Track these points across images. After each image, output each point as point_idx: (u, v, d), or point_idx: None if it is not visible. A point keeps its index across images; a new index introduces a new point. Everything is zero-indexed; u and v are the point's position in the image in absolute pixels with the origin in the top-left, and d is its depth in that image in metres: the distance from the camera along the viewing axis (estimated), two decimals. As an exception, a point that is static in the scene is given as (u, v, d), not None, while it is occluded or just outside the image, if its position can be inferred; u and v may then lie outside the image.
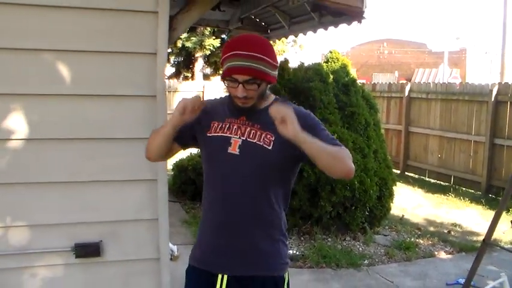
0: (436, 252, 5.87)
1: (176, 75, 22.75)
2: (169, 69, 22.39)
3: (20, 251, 2.77)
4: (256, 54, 1.99)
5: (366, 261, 5.46)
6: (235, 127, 2.13)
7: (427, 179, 10.42)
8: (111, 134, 2.83)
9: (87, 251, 2.83)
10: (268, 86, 2.13)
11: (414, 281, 5.00)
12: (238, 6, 4.72)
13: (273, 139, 2.08)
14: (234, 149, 2.09)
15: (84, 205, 2.84)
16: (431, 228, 6.88)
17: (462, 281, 4.52)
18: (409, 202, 8.37)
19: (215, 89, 15.76)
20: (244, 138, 2.10)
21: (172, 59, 21.33)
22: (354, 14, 3.52)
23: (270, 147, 2.07)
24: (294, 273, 5.02)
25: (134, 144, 2.81)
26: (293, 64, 6.85)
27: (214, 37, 18.77)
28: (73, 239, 2.83)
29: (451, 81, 16.50)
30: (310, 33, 4.86)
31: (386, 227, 6.72)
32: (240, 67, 1.98)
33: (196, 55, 19.46)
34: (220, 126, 2.15)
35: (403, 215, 7.29)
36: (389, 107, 11.60)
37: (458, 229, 6.95)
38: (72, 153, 2.79)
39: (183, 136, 2.21)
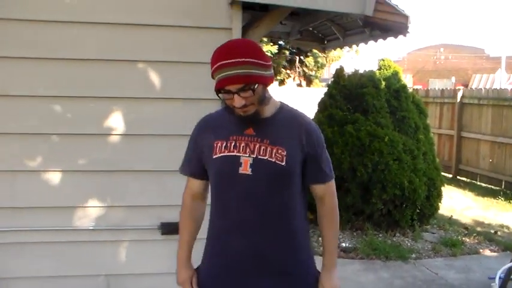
0: (481, 250, 6.19)
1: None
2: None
3: (117, 227, 3.36)
4: (242, 59, 1.86)
5: (413, 255, 5.85)
6: (242, 145, 1.97)
7: (479, 183, 10.57)
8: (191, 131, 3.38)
9: (171, 229, 3.37)
10: (267, 87, 2.00)
11: (458, 274, 5.36)
12: (297, 19, 5.21)
13: (284, 154, 1.96)
14: (245, 169, 1.95)
15: (168, 190, 3.39)
16: (479, 228, 7.16)
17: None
18: (459, 204, 8.65)
19: (272, 93, 16.21)
20: (254, 156, 1.95)
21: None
22: (399, 29, 4.01)
23: (283, 163, 1.95)
24: (346, 264, 5.52)
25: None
26: (349, 69, 7.33)
27: (271, 43, 19.25)
28: (159, 219, 3.39)
29: (507, 87, 16.48)
30: (362, 44, 5.37)
31: (435, 226, 7.06)
32: (228, 77, 1.85)
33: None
34: (224, 145, 1.99)
35: (451, 216, 7.60)
36: (442, 113, 11.81)
37: (505, 230, 7.21)
38: (159, 146, 3.36)
39: (202, 172, 2.13)
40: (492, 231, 7.03)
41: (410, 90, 10.71)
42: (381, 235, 6.40)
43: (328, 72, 23.34)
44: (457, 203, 8.68)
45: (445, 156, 11.55)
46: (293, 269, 2.05)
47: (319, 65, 18.42)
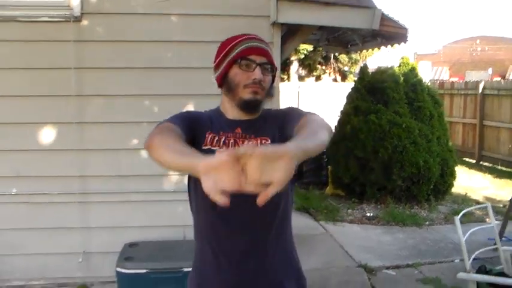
0: (487, 219, 7.21)
1: (273, 77, 24.50)
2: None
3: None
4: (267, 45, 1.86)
5: (427, 223, 6.96)
6: (231, 141, 1.83)
7: (499, 167, 11.47)
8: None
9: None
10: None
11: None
12: (325, 29, 6.38)
13: (268, 142, 1.81)
14: None
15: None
16: (489, 203, 8.16)
17: (504, 239, 5.88)
18: (476, 185, 9.64)
19: (309, 88, 17.09)
20: None
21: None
22: (400, 37, 5.18)
23: None
24: (369, 229, 6.67)
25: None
26: (386, 63, 8.49)
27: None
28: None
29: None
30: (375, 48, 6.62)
31: (450, 201, 8.12)
32: (258, 47, 1.79)
33: (292, 58, 20.92)
34: (216, 138, 1.84)
35: (466, 193, 8.63)
36: (466, 103, 12.72)
37: (514, 204, 8.21)
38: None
39: (187, 132, 1.76)
40: (501, 206, 8.04)
41: (431, 82, 11.73)
42: (400, 207, 7.51)
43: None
44: (475, 184, 9.67)
45: (469, 144, 12.52)
46: (291, 269, 1.93)
47: (353, 60, 19.40)
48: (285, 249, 1.91)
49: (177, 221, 4.57)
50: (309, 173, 8.99)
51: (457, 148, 12.49)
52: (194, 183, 1.84)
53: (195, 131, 1.83)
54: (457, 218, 3.87)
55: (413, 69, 8.18)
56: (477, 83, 12.48)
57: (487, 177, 10.48)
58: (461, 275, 3.67)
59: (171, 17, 4.47)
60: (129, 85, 4.47)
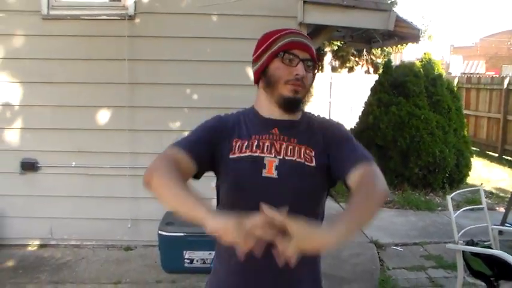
0: (497, 208, 7.74)
1: (307, 67, 24.78)
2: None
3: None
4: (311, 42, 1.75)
5: (439, 208, 7.51)
6: (266, 144, 1.69)
7: (522, 161, 11.90)
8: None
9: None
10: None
11: (470, 221, 6.78)
12: (348, 28, 6.98)
13: (313, 154, 1.68)
14: (270, 172, 1.64)
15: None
16: (502, 194, 8.66)
17: (507, 225, 6.39)
18: (495, 177, 10.08)
19: (341, 79, 17.55)
20: (281, 157, 1.66)
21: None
22: (413, 38, 5.79)
23: (312, 164, 1.67)
24: (384, 211, 7.27)
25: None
26: (417, 55, 8.99)
27: (340, 34, 20.46)
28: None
29: None
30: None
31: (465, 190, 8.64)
32: (302, 42, 1.68)
33: (325, 49, 21.14)
34: (246, 144, 1.69)
35: (482, 183, 9.09)
36: (491, 98, 13.02)
37: (526, 196, 8.68)
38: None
39: (200, 159, 1.65)
40: (512, 196, 8.53)
41: (460, 76, 12.14)
42: (416, 194, 8.08)
43: (399, 59, 24.24)
44: (493, 176, 10.12)
45: (493, 137, 12.88)
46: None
47: (385, 53, 19.70)
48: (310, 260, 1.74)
49: (211, 194, 5.24)
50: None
51: (481, 142, 12.96)
52: (222, 182, 1.76)
53: (217, 144, 1.70)
54: (449, 197, 4.47)
55: (433, 64, 8.71)
56: (502, 78, 12.80)
57: (507, 170, 10.88)
58: (450, 245, 4.26)
59: (211, 17, 5.16)
60: (174, 75, 5.19)
